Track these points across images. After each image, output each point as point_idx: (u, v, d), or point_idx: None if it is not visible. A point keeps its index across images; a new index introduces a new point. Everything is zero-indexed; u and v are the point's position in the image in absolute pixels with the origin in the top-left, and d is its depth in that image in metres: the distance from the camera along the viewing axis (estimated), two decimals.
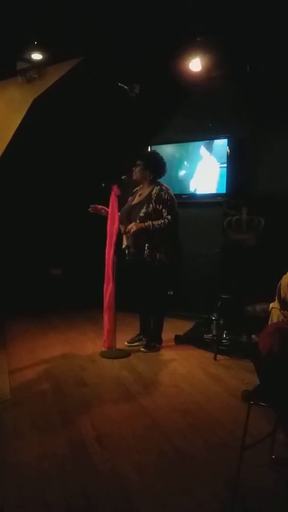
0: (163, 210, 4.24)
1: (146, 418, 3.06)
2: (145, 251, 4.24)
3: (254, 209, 4.94)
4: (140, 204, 4.32)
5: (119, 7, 3.94)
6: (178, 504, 2.18)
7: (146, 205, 4.26)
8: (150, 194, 4.29)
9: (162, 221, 4.22)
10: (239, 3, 3.90)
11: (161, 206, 4.23)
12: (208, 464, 2.52)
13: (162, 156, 4.48)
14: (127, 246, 4.48)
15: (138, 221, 4.26)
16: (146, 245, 4.24)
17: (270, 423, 2.63)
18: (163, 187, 4.36)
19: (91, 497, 2.22)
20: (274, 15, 4.03)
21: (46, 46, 4.45)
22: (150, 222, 4.22)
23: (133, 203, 4.42)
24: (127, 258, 4.48)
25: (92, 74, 5.00)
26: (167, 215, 4.23)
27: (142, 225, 4.22)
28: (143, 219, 4.24)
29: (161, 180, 4.47)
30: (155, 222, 4.22)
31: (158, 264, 4.27)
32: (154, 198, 4.25)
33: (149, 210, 4.23)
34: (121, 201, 4.40)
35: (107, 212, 4.34)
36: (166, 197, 4.27)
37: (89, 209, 4.48)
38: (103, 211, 4.45)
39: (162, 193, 4.28)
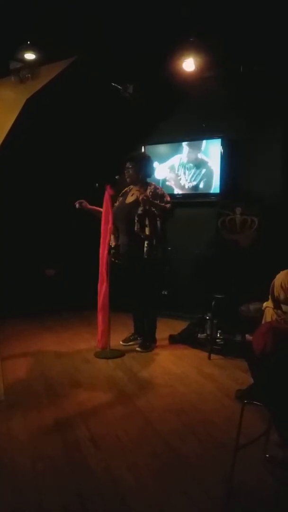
0: (161, 203, 4.30)
1: (141, 419, 3.06)
2: (145, 248, 4.27)
3: (248, 209, 4.96)
4: (135, 203, 4.34)
5: (113, 8, 3.94)
6: (172, 504, 2.18)
7: (143, 203, 4.27)
8: (146, 193, 4.31)
9: (165, 205, 4.30)
10: (234, 5, 3.90)
11: (158, 201, 4.29)
12: (203, 463, 2.53)
13: (150, 156, 4.63)
14: (116, 246, 4.50)
15: (137, 218, 4.31)
16: (146, 242, 4.27)
17: (264, 422, 2.64)
18: (157, 186, 4.50)
19: (86, 498, 2.21)
20: (267, 16, 4.04)
21: (40, 45, 4.43)
22: (157, 202, 4.28)
23: (127, 202, 4.44)
24: (112, 258, 4.48)
25: (85, 74, 4.99)
26: (166, 204, 4.32)
27: (151, 200, 4.24)
28: (141, 217, 4.28)
29: (150, 179, 4.58)
30: (161, 203, 4.28)
31: (155, 261, 4.32)
32: (150, 196, 4.28)
33: (147, 208, 4.26)
34: (114, 201, 4.43)
35: (99, 211, 4.36)
36: (161, 193, 4.39)
37: (76, 205, 4.49)
38: (91, 210, 4.47)
39: (158, 190, 4.40)
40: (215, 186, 5.44)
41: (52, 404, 3.28)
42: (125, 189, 4.57)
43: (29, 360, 4.23)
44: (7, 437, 2.80)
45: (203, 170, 5.55)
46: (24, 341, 4.83)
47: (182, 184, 5.73)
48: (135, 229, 4.32)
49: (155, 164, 5.18)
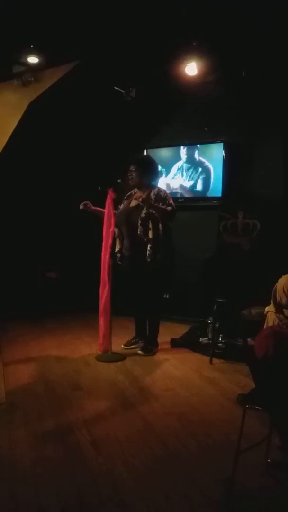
0: (163, 206, 4.27)
1: (141, 422, 3.05)
2: (148, 251, 4.26)
3: (250, 212, 4.96)
4: (139, 207, 4.34)
5: (116, 11, 3.96)
6: (173, 508, 2.17)
7: (146, 206, 4.27)
8: (148, 196, 4.30)
9: (166, 207, 4.25)
10: (234, 8, 3.92)
11: (160, 204, 4.27)
12: (203, 467, 2.51)
13: (154, 159, 4.59)
14: (120, 250, 4.51)
15: (139, 221, 4.30)
16: (149, 245, 4.26)
17: (265, 427, 2.63)
18: (161, 189, 4.47)
19: (86, 501, 2.21)
20: (267, 19, 4.05)
21: (42, 49, 4.45)
22: (159, 204, 4.25)
23: (131, 205, 4.44)
24: (118, 262, 4.50)
25: (88, 77, 5.01)
26: (168, 207, 4.27)
27: (151, 202, 4.22)
28: (144, 220, 4.28)
29: (154, 183, 4.55)
30: (162, 206, 4.24)
31: (157, 265, 4.30)
32: (153, 199, 4.28)
33: (150, 211, 4.25)
34: (117, 204, 4.43)
35: (102, 213, 4.35)
36: (164, 196, 4.35)
37: (80, 206, 4.48)
38: (96, 211, 4.46)
39: (161, 193, 4.36)
40: (217, 190, 5.45)
41: (52, 407, 3.27)
42: (130, 192, 4.57)
43: (30, 363, 4.23)
44: (7, 439, 2.79)
45: (205, 174, 5.55)
46: (25, 344, 4.82)
47: (183, 187, 5.74)
48: (138, 232, 4.32)
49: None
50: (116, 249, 4.53)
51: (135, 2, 3.92)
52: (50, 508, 2.15)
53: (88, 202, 4.47)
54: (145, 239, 4.30)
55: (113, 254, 4.40)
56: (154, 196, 4.31)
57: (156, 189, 4.40)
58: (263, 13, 3.97)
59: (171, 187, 5.80)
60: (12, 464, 2.52)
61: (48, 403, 3.36)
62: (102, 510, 2.16)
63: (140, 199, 4.21)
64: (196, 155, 5.62)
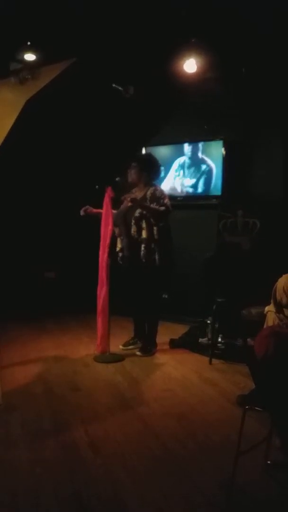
0: (158, 206, 4.22)
1: (140, 423, 3.03)
2: (142, 252, 4.22)
3: (249, 211, 4.93)
4: (134, 206, 4.30)
5: (114, 8, 3.94)
6: (173, 508, 2.15)
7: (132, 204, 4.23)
8: (145, 195, 4.28)
9: (159, 207, 4.20)
10: (234, 6, 3.90)
11: (155, 203, 4.23)
12: (203, 468, 2.49)
13: (157, 158, 4.52)
14: (121, 249, 4.48)
15: (133, 221, 4.26)
16: (143, 245, 4.22)
17: (265, 427, 2.61)
18: (158, 188, 4.41)
19: (85, 503, 2.19)
20: (267, 17, 4.03)
21: (40, 47, 4.43)
22: (154, 204, 4.21)
23: (129, 205, 4.41)
24: (119, 262, 4.47)
25: (86, 75, 4.98)
26: (161, 206, 4.22)
27: (142, 202, 4.17)
28: (138, 219, 4.23)
29: (155, 182, 4.50)
30: (154, 206, 4.20)
31: (153, 265, 4.26)
32: (148, 198, 4.25)
33: (144, 211, 4.22)
34: (115, 203, 4.39)
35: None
36: (159, 195, 4.29)
37: (81, 212, 4.44)
38: (98, 213, 4.42)
39: (157, 192, 4.31)
40: (216, 188, 5.42)
41: (50, 408, 3.25)
42: (131, 191, 4.53)
43: (28, 364, 4.20)
44: (5, 441, 2.77)
45: (204, 172, 5.53)
46: (23, 344, 4.80)
47: (183, 186, 5.71)
48: (132, 232, 4.28)
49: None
50: (117, 249, 4.49)
51: (135, 2, 3.90)
52: (49, 508, 2.14)
53: (88, 206, 4.43)
54: (139, 239, 4.26)
55: (112, 253, 4.36)
56: (150, 195, 4.28)
57: (153, 188, 4.35)
58: (263, 13, 3.95)
59: (170, 186, 5.77)
60: (11, 464, 2.51)
61: (46, 403, 3.34)
62: (101, 510, 2.14)
63: (129, 198, 4.17)
64: (197, 153, 5.58)
